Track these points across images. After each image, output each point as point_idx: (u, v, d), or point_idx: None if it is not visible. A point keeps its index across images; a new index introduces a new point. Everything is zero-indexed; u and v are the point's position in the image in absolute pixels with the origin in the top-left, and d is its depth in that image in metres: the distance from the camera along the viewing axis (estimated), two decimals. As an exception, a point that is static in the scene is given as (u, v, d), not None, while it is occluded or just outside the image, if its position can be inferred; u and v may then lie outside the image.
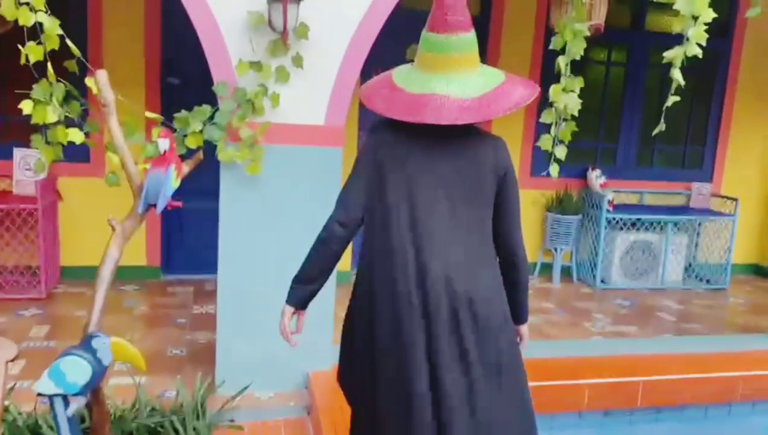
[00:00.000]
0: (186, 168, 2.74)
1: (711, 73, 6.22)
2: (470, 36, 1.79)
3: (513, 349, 1.95)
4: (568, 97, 3.28)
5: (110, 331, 2.33)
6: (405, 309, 1.80)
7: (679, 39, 2.98)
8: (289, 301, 1.96)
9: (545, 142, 3.40)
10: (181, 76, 5.11)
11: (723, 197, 6.16)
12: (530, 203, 5.92)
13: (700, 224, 6.21)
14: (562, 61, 3.26)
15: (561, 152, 3.36)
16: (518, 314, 2.02)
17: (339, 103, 3.24)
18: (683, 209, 6.12)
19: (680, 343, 4.45)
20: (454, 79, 1.77)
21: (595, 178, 5.81)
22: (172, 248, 5.36)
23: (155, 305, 4.67)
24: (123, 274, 5.32)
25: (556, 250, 5.85)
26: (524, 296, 2.02)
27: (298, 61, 3.11)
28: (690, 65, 3.02)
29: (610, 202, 5.64)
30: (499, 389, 1.87)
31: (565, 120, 3.34)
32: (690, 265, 6.19)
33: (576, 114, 3.28)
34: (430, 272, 1.80)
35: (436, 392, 1.81)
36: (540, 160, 5.89)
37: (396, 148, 1.85)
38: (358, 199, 1.88)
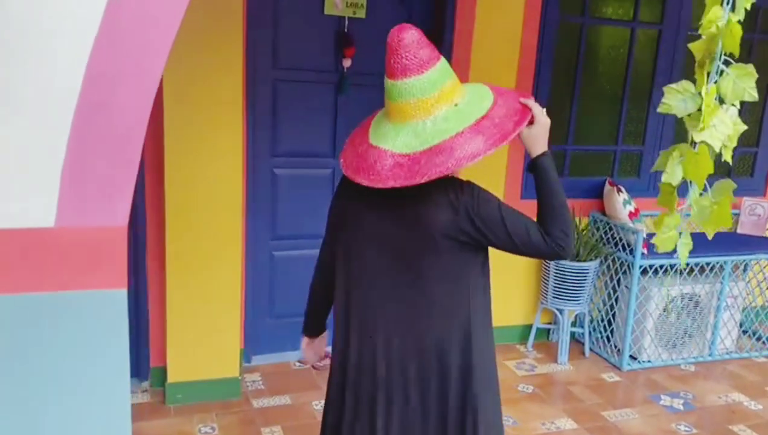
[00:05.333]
0: None
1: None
2: (425, 77, 1.50)
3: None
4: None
5: None
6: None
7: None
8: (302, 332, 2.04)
9: (670, 171, 1.46)
10: None
11: (785, 219, 4.33)
12: (520, 239, 3.91)
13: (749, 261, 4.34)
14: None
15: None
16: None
17: (105, 160, 1.09)
18: (732, 240, 4.22)
19: None
20: (404, 129, 1.53)
21: (621, 202, 3.82)
22: None
23: None
24: None
25: (560, 311, 3.88)
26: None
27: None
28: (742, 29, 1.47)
29: (644, 243, 3.69)
30: None
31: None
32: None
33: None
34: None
35: None
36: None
37: (349, 200, 1.72)
38: (323, 259, 1.86)
